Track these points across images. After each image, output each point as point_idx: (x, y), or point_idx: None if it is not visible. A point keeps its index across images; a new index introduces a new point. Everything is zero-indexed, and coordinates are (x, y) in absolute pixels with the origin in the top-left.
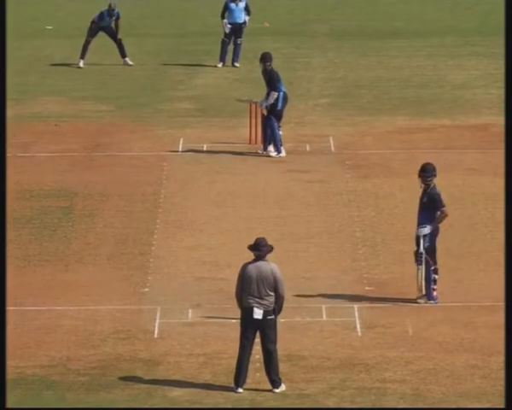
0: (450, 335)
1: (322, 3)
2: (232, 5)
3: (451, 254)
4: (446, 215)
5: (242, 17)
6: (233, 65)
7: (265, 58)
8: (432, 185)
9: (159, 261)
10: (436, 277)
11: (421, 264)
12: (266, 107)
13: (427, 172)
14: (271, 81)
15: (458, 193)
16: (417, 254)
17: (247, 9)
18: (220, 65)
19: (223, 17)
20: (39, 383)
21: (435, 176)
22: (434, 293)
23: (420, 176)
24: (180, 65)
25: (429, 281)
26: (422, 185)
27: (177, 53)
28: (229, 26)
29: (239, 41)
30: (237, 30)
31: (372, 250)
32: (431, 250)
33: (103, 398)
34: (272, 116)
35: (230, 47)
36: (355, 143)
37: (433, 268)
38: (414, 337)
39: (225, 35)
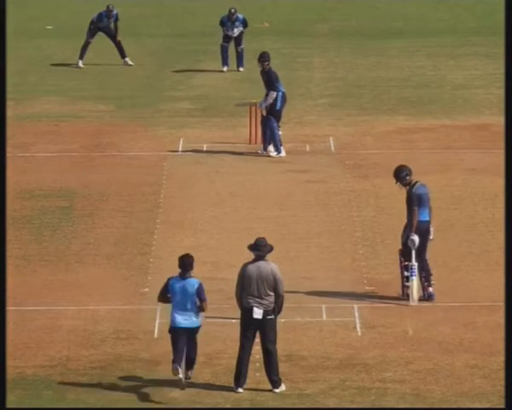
0: (450, 335)
1: (322, 3)
2: (228, 23)
3: (451, 254)
4: (415, 217)
5: (236, 32)
6: (238, 70)
7: (263, 57)
8: (412, 183)
9: (159, 261)
10: (406, 273)
11: (414, 275)
12: (265, 107)
13: (398, 174)
14: (270, 81)
15: (458, 193)
16: (409, 267)
17: (244, 23)
18: (225, 69)
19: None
20: (39, 383)
21: (408, 175)
22: (407, 291)
23: (397, 181)
24: (180, 65)
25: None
26: (403, 188)
27: (177, 53)
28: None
29: (239, 49)
30: (236, 38)
31: (372, 250)
32: (407, 249)
33: (103, 398)
34: (271, 116)
35: (232, 50)
36: (355, 143)
37: (406, 264)
38: (414, 337)
39: (224, 40)
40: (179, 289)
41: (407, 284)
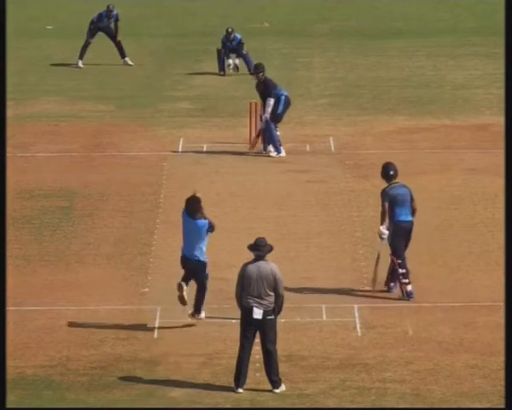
0: (450, 335)
1: (322, 3)
2: (227, 43)
3: (451, 254)
4: (382, 212)
5: (237, 62)
6: (250, 74)
7: (258, 69)
8: (390, 183)
9: (159, 261)
10: (402, 271)
11: (377, 264)
12: (266, 117)
13: (385, 172)
14: (267, 90)
15: (458, 193)
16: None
17: (239, 44)
18: (222, 73)
19: (226, 56)
20: (39, 383)
21: (393, 175)
22: (409, 287)
23: (382, 177)
24: (180, 65)
25: (396, 276)
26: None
27: (177, 53)
28: (230, 62)
29: (244, 52)
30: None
31: (372, 250)
32: (393, 248)
33: (103, 398)
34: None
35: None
36: (355, 143)
37: (399, 262)
38: (414, 337)
39: (222, 45)
40: (188, 227)
41: (404, 281)
